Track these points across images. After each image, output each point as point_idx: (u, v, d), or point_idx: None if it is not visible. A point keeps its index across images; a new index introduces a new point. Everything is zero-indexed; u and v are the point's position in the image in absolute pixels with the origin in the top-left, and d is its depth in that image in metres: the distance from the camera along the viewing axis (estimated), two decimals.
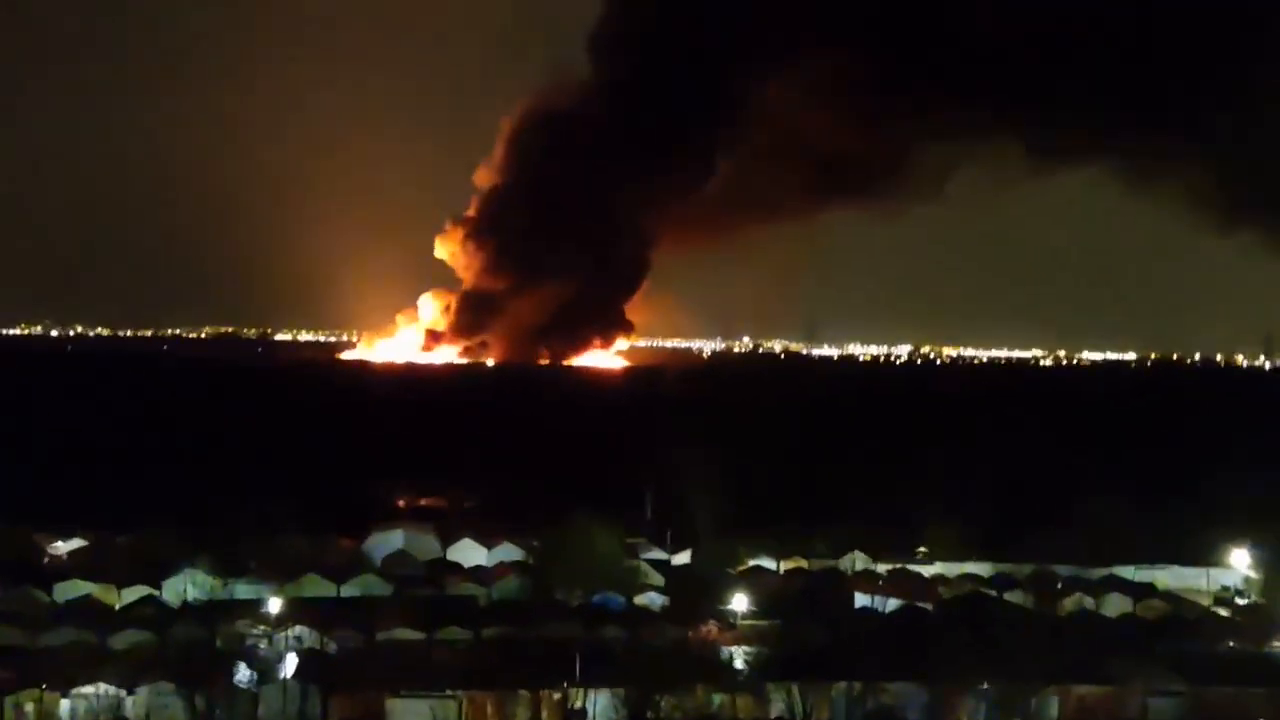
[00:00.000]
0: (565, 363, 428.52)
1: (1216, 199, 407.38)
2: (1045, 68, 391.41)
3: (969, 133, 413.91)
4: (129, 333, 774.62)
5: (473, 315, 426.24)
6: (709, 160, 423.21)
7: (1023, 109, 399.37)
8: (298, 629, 72.47)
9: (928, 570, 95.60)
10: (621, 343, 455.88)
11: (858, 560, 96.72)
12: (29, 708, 61.10)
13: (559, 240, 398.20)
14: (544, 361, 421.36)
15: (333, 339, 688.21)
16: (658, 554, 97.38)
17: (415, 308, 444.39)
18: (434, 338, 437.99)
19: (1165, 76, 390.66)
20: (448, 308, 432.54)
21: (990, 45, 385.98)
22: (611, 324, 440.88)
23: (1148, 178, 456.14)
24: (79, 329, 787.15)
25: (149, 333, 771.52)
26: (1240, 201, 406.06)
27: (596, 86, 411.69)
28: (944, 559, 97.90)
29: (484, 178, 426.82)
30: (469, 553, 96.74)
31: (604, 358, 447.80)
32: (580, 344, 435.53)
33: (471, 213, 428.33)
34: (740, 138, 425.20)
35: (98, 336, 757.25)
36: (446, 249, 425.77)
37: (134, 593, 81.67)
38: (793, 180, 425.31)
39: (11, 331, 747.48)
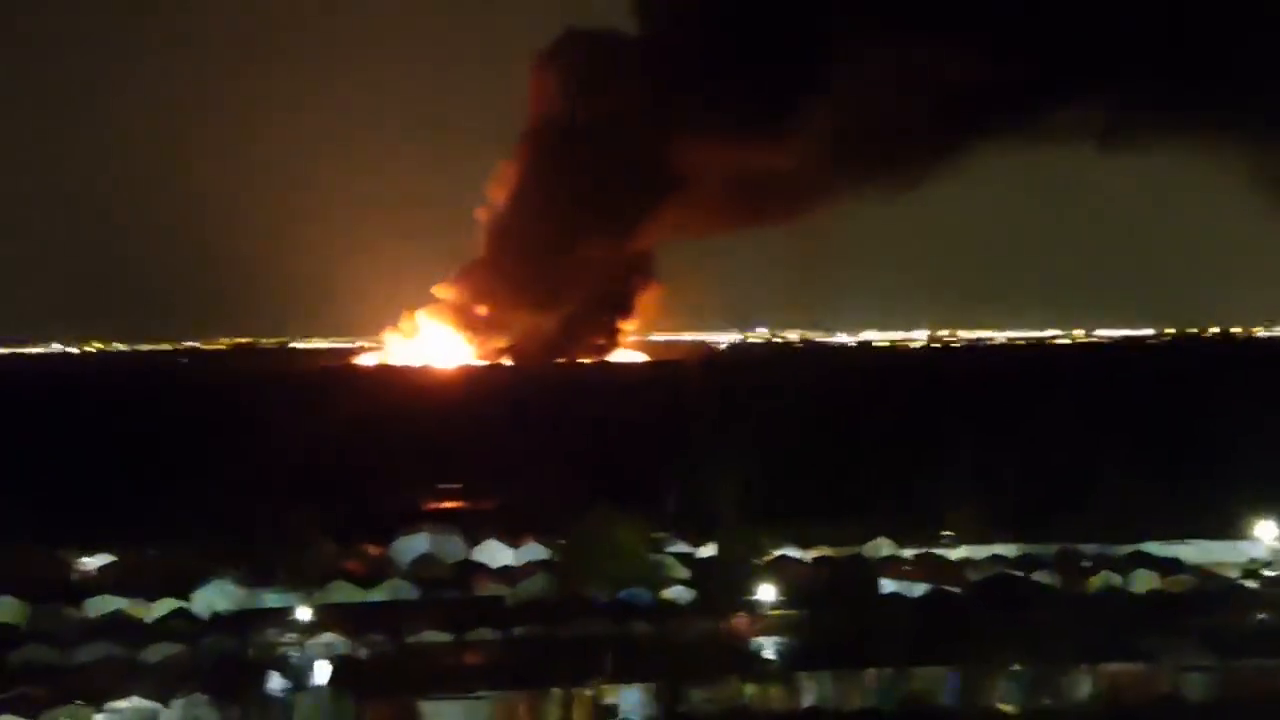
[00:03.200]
0: (585, 359, 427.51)
1: None
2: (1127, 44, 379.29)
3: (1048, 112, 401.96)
4: (146, 347, 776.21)
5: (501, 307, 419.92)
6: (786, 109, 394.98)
7: (1105, 87, 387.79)
8: (327, 636, 72.82)
9: (954, 553, 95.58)
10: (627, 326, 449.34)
11: (883, 546, 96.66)
12: None
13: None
14: (563, 360, 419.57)
15: (351, 345, 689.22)
16: (683, 547, 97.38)
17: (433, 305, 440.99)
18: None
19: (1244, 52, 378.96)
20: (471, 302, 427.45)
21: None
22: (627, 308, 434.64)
23: (1218, 156, 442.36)
24: (96, 345, 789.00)
25: (167, 346, 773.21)
26: None
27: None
28: (970, 541, 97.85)
29: (498, 194, 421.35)
30: (495, 553, 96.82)
31: (622, 353, 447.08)
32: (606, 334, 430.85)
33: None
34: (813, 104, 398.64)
35: (116, 352, 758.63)
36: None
37: (163, 606, 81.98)
38: (850, 157, 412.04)
39: (30, 350, 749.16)
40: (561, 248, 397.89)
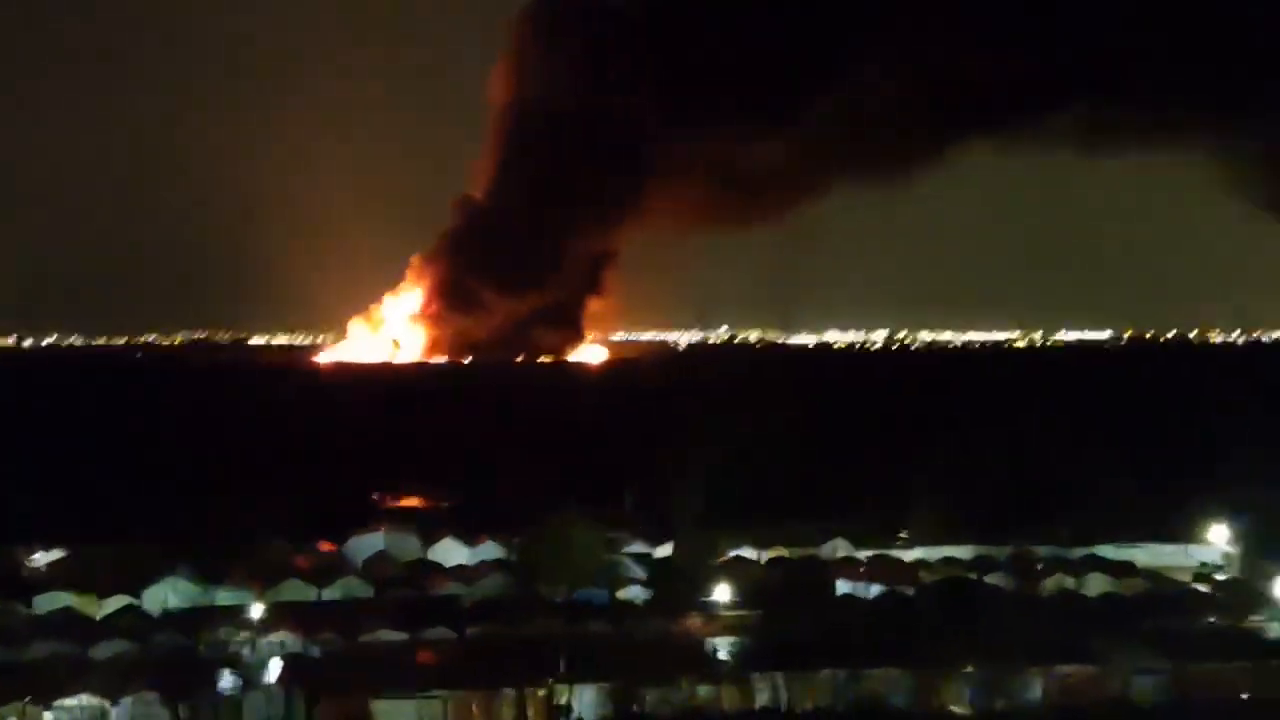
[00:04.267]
0: (543, 358, 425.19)
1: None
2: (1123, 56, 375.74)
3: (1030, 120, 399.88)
4: (103, 340, 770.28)
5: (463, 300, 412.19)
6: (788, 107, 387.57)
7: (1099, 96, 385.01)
8: (280, 634, 72.42)
9: (909, 555, 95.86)
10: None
11: (839, 547, 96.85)
12: None
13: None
14: (521, 358, 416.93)
15: (308, 341, 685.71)
16: (639, 547, 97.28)
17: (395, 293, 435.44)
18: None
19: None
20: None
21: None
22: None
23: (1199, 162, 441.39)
24: (53, 338, 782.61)
25: (123, 340, 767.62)
26: None
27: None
28: (924, 543, 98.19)
29: (481, 172, 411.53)
30: (450, 552, 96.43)
31: (583, 351, 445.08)
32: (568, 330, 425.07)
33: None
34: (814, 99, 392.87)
35: (70, 346, 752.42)
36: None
37: (114, 603, 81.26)
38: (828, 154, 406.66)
39: None
40: (535, 237, 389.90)
